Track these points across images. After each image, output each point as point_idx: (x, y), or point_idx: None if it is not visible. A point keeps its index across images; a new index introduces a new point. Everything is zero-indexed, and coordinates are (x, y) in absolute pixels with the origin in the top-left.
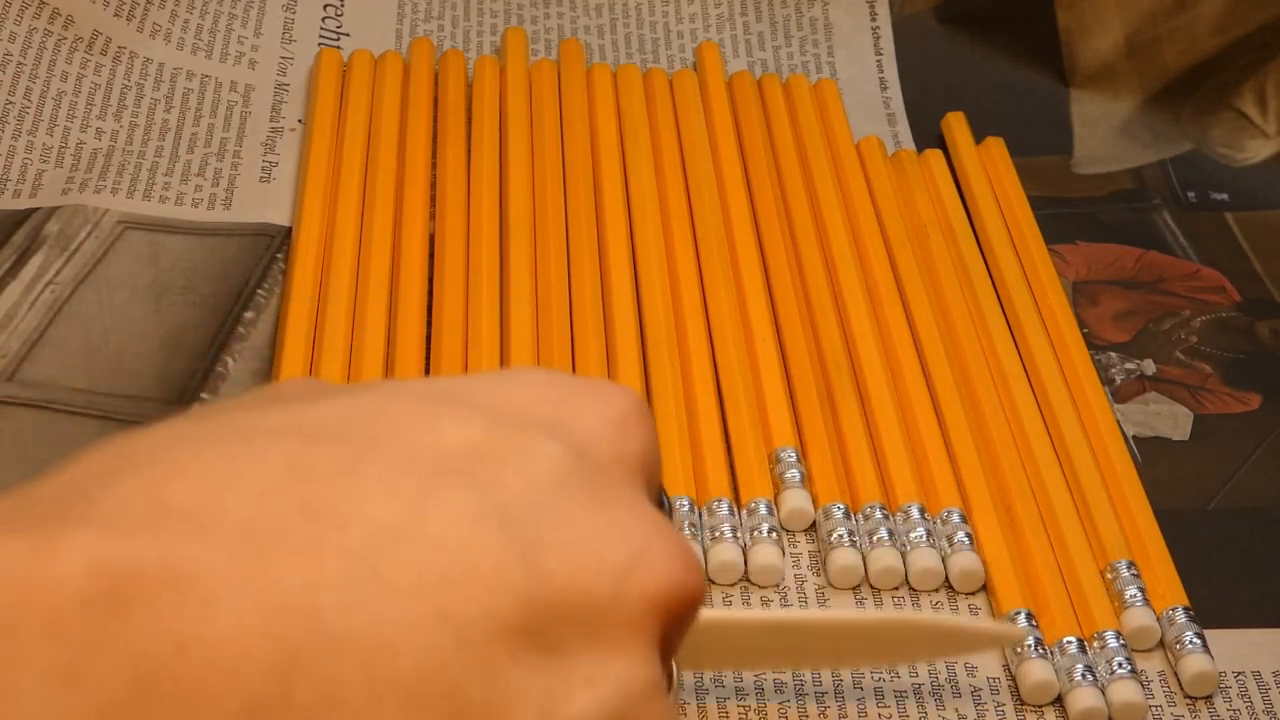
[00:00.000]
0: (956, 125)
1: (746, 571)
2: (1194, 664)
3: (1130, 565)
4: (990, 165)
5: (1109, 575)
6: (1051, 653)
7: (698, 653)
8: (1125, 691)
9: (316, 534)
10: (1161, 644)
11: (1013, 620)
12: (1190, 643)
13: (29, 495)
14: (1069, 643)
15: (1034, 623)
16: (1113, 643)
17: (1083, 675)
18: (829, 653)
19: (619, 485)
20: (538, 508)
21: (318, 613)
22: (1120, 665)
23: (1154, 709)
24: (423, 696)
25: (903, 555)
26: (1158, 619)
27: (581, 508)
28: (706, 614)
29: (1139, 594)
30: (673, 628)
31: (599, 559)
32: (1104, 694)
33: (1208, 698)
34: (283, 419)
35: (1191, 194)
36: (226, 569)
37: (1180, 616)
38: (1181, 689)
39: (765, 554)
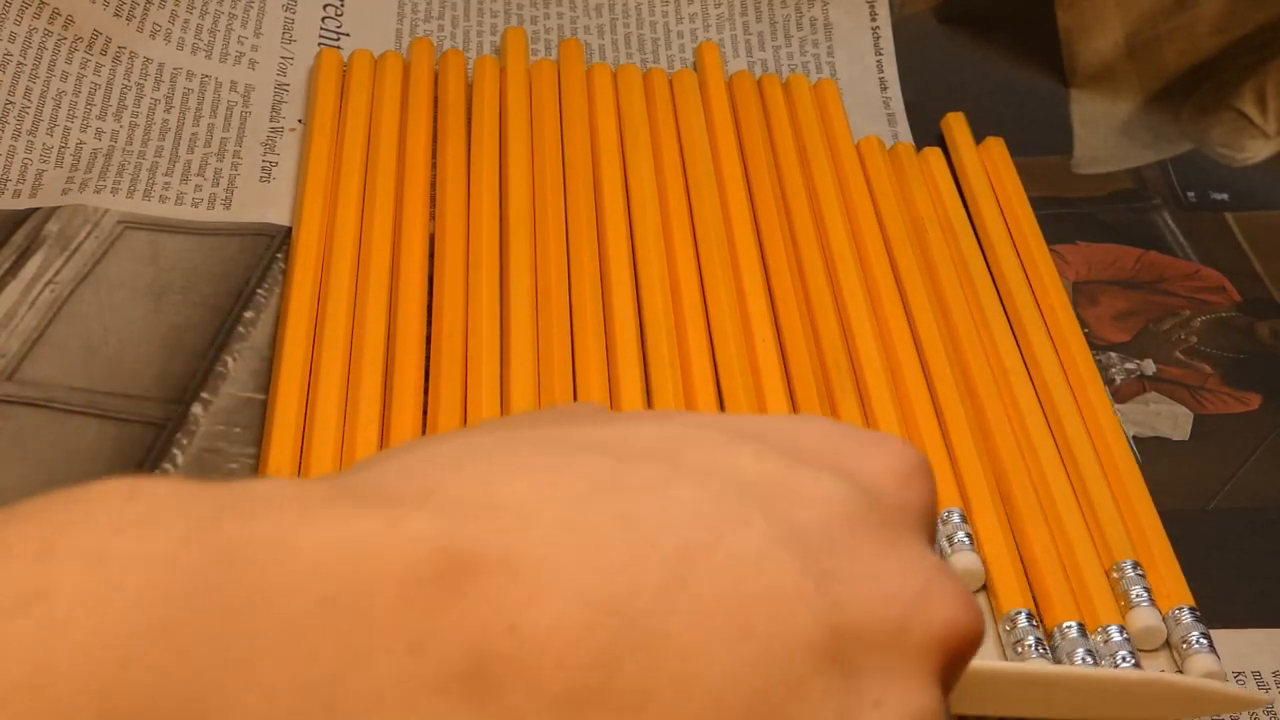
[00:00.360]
0: (956, 125)
1: None
2: (1200, 664)
3: (1135, 565)
4: (990, 165)
5: (1114, 575)
6: (1052, 643)
7: (957, 695)
8: None
9: (633, 541)
10: (1167, 644)
11: (1013, 620)
12: (1197, 642)
13: (368, 475)
14: (1069, 627)
15: (1035, 623)
16: (1116, 636)
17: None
18: (1078, 706)
19: (901, 530)
20: (828, 541)
21: (635, 614)
22: (1124, 660)
23: None
24: (728, 701)
25: None
26: (1163, 619)
27: (868, 545)
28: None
29: (1144, 594)
30: (952, 666)
31: (887, 591)
32: None
33: None
34: (592, 435)
35: (1191, 194)
36: (554, 562)
37: (1186, 616)
38: None
39: None
